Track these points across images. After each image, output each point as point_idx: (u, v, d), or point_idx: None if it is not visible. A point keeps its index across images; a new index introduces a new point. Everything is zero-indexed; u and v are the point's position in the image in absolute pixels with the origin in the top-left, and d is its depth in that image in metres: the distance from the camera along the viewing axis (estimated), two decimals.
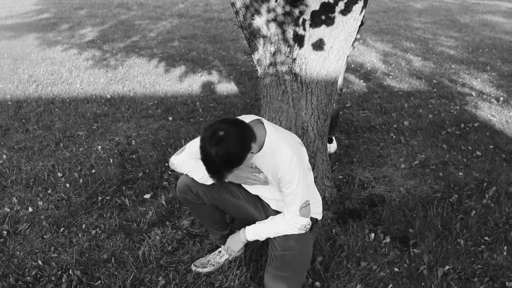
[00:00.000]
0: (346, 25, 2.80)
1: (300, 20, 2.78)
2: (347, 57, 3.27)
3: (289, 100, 3.07)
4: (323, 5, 2.71)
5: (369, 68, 7.23)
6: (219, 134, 2.00)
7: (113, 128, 4.88)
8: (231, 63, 7.46)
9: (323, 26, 2.78)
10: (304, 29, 2.81)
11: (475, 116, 5.23)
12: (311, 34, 2.81)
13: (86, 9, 12.54)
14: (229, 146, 1.99)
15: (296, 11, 2.76)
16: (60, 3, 13.48)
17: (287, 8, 2.75)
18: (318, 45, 2.85)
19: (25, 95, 5.89)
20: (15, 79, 6.52)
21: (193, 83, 6.43)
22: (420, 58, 7.88)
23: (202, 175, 2.47)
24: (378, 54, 8.16)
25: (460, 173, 3.93)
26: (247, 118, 2.28)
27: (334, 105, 3.92)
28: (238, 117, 2.20)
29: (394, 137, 4.65)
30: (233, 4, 2.93)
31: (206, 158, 2.04)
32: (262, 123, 2.28)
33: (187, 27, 10.33)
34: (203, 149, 2.04)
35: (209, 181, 2.47)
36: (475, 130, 4.84)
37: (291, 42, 2.86)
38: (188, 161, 2.48)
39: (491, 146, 4.44)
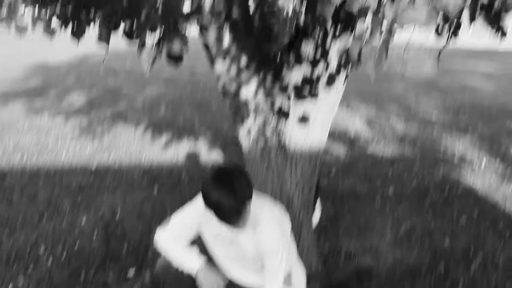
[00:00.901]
0: (328, 97, 2.88)
1: (285, 94, 2.86)
2: None
3: (273, 172, 3.10)
4: (305, 80, 2.81)
5: (352, 134, 7.34)
6: (230, 176, 2.03)
7: (98, 200, 4.84)
8: (217, 129, 7.54)
9: (307, 100, 2.86)
10: (289, 103, 2.88)
11: (458, 182, 5.28)
12: (296, 108, 2.89)
13: (73, 76, 12.70)
14: (242, 182, 2.03)
15: (281, 86, 2.84)
16: (47, 69, 13.66)
17: (271, 84, 2.83)
18: (303, 118, 2.92)
19: (10, 166, 5.86)
20: (0, 148, 6.51)
21: (179, 151, 6.45)
22: (403, 121, 8.04)
23: (178, 262, 2.44)
24: (361, 118, 8.31)
25: (446, 240, 3.93)
26: None
27: None
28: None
29: (379, 205, 4.66)
30: (218, 77, 2.99)
31: (220, 198, 2.02)
32: None
33: (173, 93, 10.48)
34: (216, 190, 2.03)
35: (184, 268, 2.44)
36: (459, 196, 4.88)
37: (276, 116, 2.93)
38: (168, 244, 2.45)
39: (475, 214, 4.47)
